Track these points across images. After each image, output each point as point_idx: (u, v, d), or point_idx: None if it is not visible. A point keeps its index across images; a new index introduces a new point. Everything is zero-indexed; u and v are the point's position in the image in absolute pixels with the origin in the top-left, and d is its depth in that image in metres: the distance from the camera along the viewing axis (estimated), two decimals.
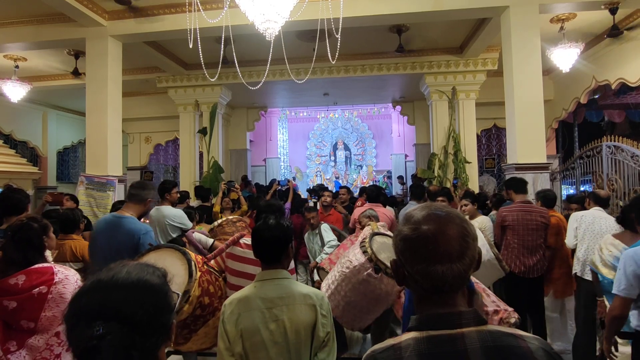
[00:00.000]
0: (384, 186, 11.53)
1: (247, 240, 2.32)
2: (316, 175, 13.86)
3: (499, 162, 8.99)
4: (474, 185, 6.68)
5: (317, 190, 5.95)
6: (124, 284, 0.72)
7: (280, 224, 1.72)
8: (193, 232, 2.93)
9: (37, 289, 1.72)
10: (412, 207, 0.87)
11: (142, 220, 2.97)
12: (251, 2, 2.85)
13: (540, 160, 4.54)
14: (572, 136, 8.35)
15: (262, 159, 11.81)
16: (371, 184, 13.03)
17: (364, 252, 2.23)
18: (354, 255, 2.31)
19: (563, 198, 7.09)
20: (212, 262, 2.44)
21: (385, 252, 2.27)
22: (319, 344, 1.56)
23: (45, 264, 1.84)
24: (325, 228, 3.78)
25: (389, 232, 2.73)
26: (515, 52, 4.63)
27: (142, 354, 0.69)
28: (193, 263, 2.06)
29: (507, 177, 4.70)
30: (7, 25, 5.35)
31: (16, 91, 6.72)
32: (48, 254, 2.03)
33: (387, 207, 4.76)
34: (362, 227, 3.43)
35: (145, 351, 0.70)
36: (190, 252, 2.14)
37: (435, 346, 0.73)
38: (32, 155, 9.28)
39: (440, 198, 4.15)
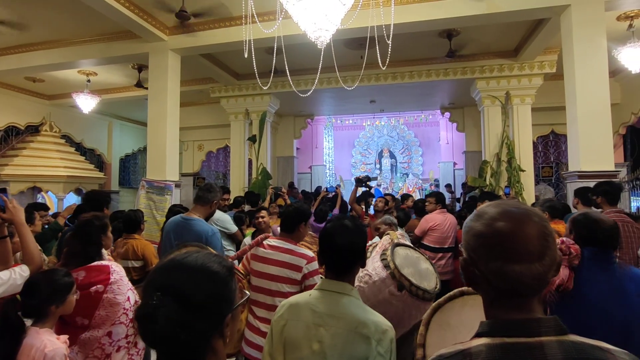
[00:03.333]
0: None
1: (270, 241, 2.32)
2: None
3: (557, 171, 8.45)
4: (529, 195, 6.32)
5: (364, 180, 5.52)
6: (189, 266, 0.79)
7: (357, 226, 1.48)
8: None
9: (95, 287, 1.80)
10: (484, 205, 0.83)
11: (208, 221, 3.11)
12: (304, 11, 2.93)
13: (606, 167, 4.20)
14: None
15: (308, 166, 11.98)
16: (417, 192, 12.77)
17: (386, 266, 1.94)
18: (374, 269, 2.01)
19: (633, 210, 6.51)
20: (240, 265, 2.46)
21: (409, 266, 1.98)
22: None
23: (103, 262, 1.94)
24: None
25: (409, 243, 2.46)
26: (578, 54, 4.35)
27: (190, 335, 0.73)
28: None
29: (569, 186, 4.41)
30: (82, 44, 5.90)
31: (87, 103, 7.37)
32: (104, 252, 2.13)
33: None
34: (380, 235, 3.16)
35: (195, 334, 0.73)
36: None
37: (510, 354, 0.68)
38: (99, 162, 10.08)
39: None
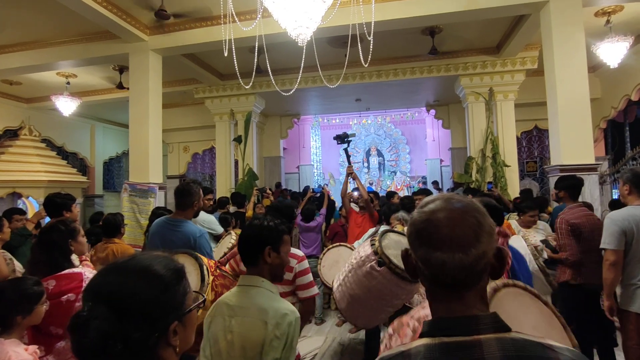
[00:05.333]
0: None
1: None
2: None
3: (541, 166, 8.57)
4: (514, 190, 6.39)
5: (343, 137, 5.33)
6: (129, 270, 0.72)
7: (261, 224, 1.62)
8: None
9: (66, 296, 1.73)
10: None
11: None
12: (284, 9, 2.90)
13: (587, 161, 4.27)
14: (622, 136, 7.82)
15: (296, 166, 11.93)
16: (405, 190, 12.84)
17: (372, 244, 2.23)
18: (363, 248, 2.32)
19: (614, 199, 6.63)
20: (227, 266, 2.42)
21: (397, 249, 2.23)
22: None
23: (75, 270, 1.85)
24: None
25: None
26: (557, 49, 4.41)
27: (127, 346, 0.66)
28: (205, 267, 2.02)
29: (552, 179, 4.46)
30: (59, 45, 5.75)
31: (67, 106, 7.21)
32: (74, 258, 2.04)
33: None
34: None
35: (132, 344, 0.67)
36: (201, 257, 2.10)
37: (448, 354, 0.66)
38: (82, 166, 9.87)
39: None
